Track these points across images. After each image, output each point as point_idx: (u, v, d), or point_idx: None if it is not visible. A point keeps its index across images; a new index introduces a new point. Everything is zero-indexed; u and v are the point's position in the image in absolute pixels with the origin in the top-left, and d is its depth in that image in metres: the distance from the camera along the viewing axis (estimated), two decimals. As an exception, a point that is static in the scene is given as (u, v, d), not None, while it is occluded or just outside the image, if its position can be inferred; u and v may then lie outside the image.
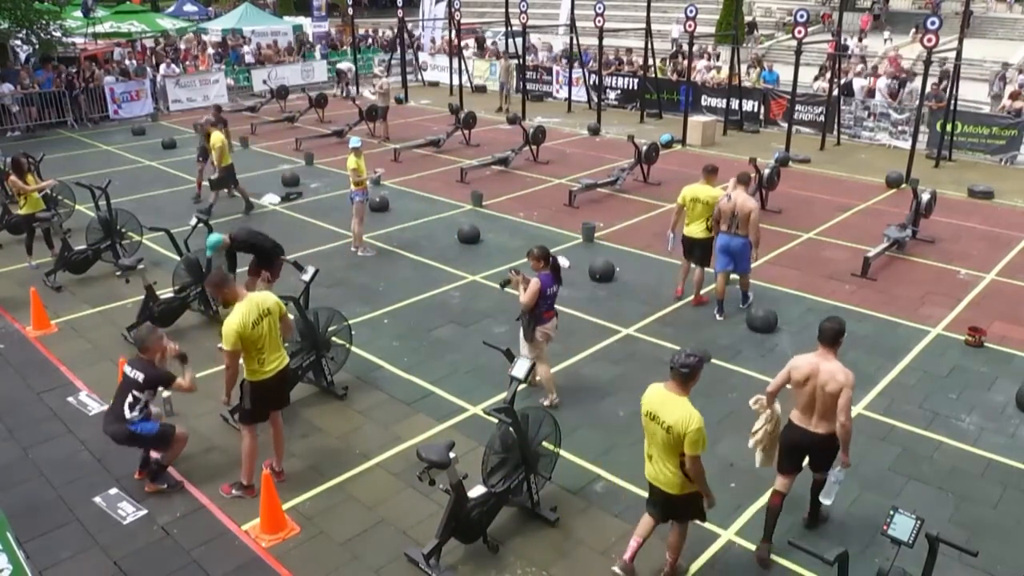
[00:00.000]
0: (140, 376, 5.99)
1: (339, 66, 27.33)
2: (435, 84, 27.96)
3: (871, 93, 18.91)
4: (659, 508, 5.26)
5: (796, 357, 5.68)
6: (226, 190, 13.62)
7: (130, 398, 6.01)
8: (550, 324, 7.31)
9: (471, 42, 29.19)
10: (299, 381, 7.58)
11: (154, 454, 6.34)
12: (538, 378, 7.41)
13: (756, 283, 10.06)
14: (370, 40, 31.70)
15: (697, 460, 4.85)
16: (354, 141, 11.33)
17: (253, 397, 6.06)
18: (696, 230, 9.45)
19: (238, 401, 6.16)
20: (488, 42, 29.55)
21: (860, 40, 30.29)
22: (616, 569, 5.31)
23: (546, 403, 7.45)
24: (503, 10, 23.94)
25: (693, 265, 9.69)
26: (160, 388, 6.24)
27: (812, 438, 5.53)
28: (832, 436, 5.44)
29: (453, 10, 24.36)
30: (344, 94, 24.65)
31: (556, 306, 7.38)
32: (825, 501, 5.66)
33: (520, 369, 5.77)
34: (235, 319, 5.80)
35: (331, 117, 21.15)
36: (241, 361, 6.01)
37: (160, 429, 6.19)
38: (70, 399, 7.69)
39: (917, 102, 16.60)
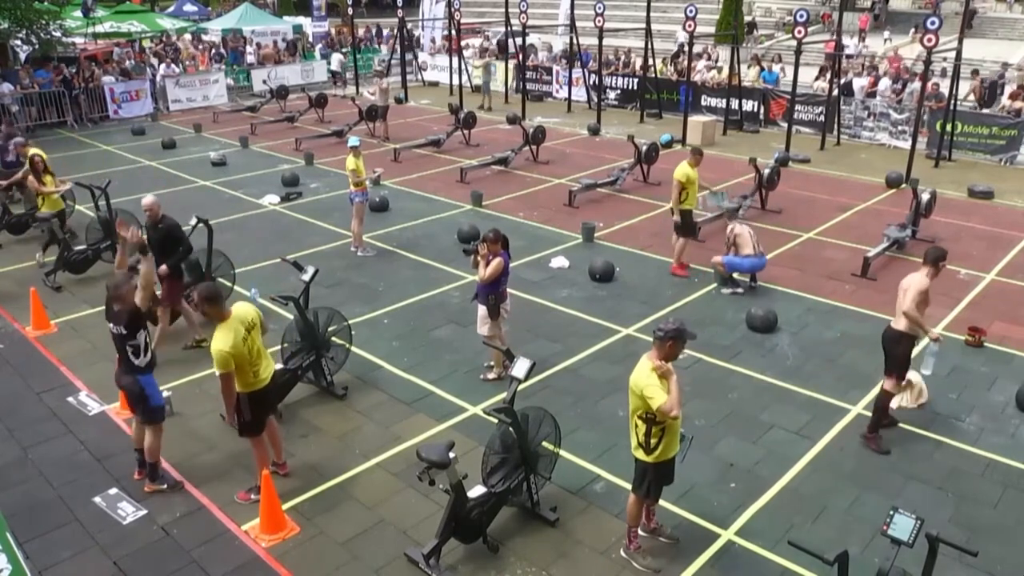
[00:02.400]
0: (123, 329, 5.94)
1: (332, 67, 27.39)
2: (435, 84, 27.97)
3: (871, 93, 18.92)
4: None
5: None
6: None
7: (130, 349, 6.02)
8: (508, 301, 7.89)
9: (492, 45, 28.71)
10: (299, 381, 7.58)
11: (145, 443, 6.30)
12: (493, 373, 8.01)
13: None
14: (374, 40, 31.70)
15: (660, 412, 5.03)
16: (352, 140, 11.32)
17: (253, 408, 6.01)
18: (692, 205, 10.56)
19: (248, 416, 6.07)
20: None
21: (862, 40, 30.34)
22: (642, 531, 5.75)
23: (492, 376, 7.96)
24: (503, 10, 23.94)
25: (679, 238, 10.63)
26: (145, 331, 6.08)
27: (887, 332, 6.87)
28: (900, 334, 6.70)
29: (453, 10, 24.36)
30: (342, 89, 24.84)
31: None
32: (924, 372, 6.82)
33: (520, 369, 5.76)
34: (226, 342, 5.64)
35: (331, 117, 21.16)
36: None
37: (161, 405, 6.24)
38: (70, 399, 7.69)
39: (917, 102, 16.61)
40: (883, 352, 6.92)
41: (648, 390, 5.04)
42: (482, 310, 7.75)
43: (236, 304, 6.07)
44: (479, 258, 7.57)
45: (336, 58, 27.93)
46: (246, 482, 6.34)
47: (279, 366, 7.36)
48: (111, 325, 6.06)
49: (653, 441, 5.22)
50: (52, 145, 17.44)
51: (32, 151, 11.69)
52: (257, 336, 5.97)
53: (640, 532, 5.72)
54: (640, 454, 5.32)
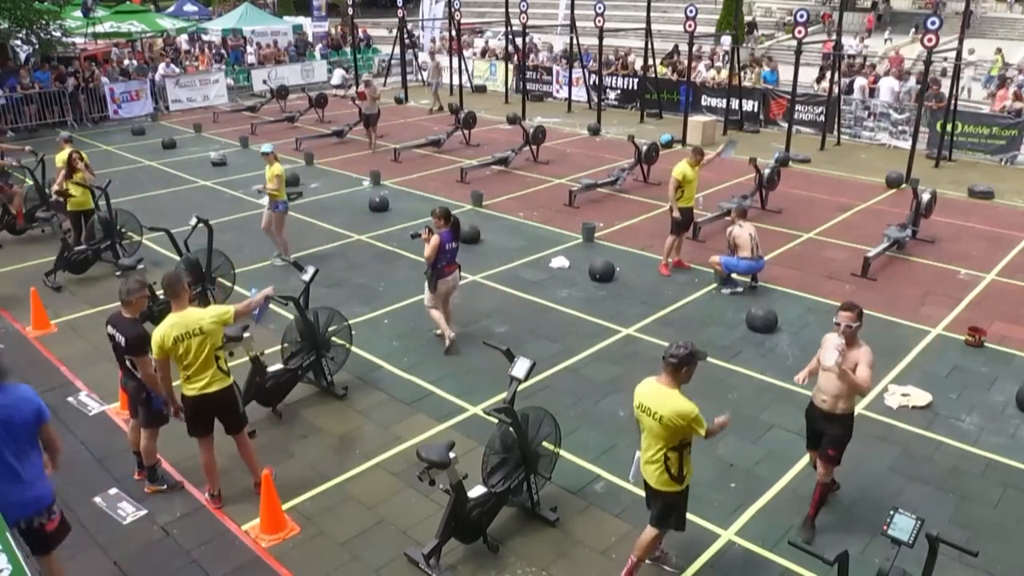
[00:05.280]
0: (123, 340, 5.82)
1: (335, 82, 27.27)
2: (435, 84, 27.91)
3: (872, 93, 18.92)
4: (648, 504, 5.26)
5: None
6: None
7: (128, 362, 5.92)
8: (451, 277, 8.39)
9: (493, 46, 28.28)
10: (299, 381, 7.59)
11: (141, 445, 6.30)
12: (438, 331, 8.72)
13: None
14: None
15: (705, 436, 4.88)
16: (265, 147, 10.89)
17: (185, 411, 5.92)
18: (688, 203, 10.55)
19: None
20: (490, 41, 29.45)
21: (862, 40, 30.34)
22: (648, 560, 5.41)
23: (438, 332, 8.71)
24: (503, 10, 23.94)
25: (674, 236, 10.66)
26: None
27: None
28: None
29: (453, 10, 24.36)
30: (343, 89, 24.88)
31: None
32: (827, 363, 5.55)
33: (520, 369, 5.76)
34: (158, 330, 5.64)
35: (331, 117, 21.16)
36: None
37: (161, 410, 6.14)
38: (70, 399, 7.69)
39: (917, 102, 16.61)
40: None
41: (699, 420, 4.78)
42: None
43: (200, 311, 5.81)
44: (427, 236, 8.19)
45: (339, 73, 27.63)
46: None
47: (278, 366, 7.39)
48: (111, 328, 5.93)
49: (686, 468, 4.97)
50: (52, 145, 17.42)
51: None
52: (201, 345, 5.63)
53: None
54: (671, 487, 4.98)
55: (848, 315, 5.49)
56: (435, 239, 8.09)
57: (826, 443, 5.71)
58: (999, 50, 21.37)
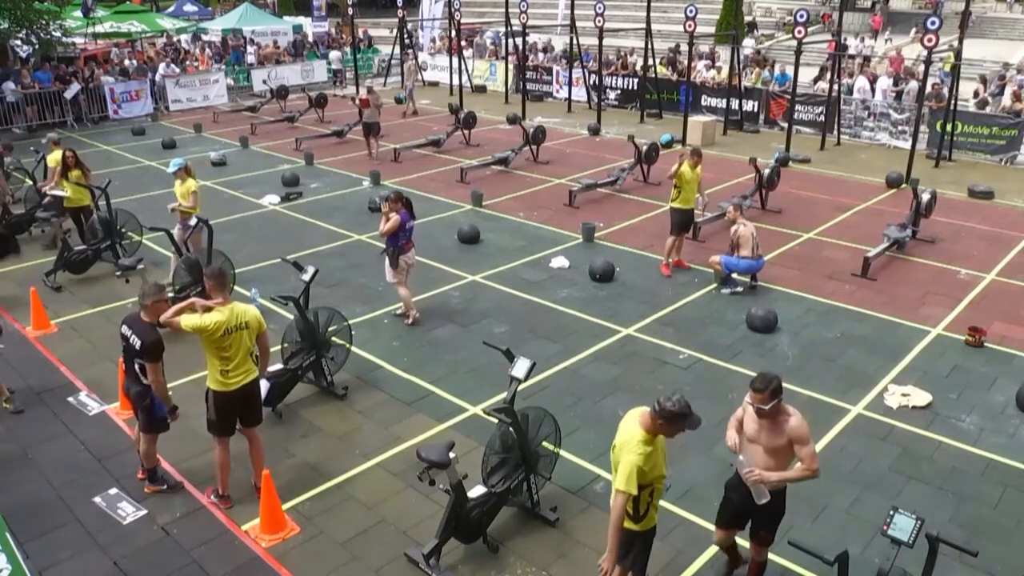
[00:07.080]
0: (138, 343, 5.78)
1: (333, 66, 27.54)
2: (435, 84, 27.95)
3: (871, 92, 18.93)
4: None
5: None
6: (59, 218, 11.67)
7: (137, 366, 5.90)
8: (410, 253, 8.98)
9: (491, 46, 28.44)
10: (299, 381, 7.59)
11: (141, 449, 6.28)
12: (401, 309, 9.34)
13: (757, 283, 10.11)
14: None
15: (618, 497, 4.29)
16: (174, 164, 9.95)
17: (217, 408, 5.93)
18: (686, 204, 10.54)
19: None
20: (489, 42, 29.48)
21: (862, 40, 30.34)
22: None
23: (408, 321, 9.17)
24: (503, 10, 23.95)
25: (674, 236, 10.70)
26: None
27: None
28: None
29: (453, 10, 24.37)
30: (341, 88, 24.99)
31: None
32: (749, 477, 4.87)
33: (520, 369, 5.75)
34: (215, 315, 5.66)
35: (331, 117, 21.16)
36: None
37: (164, 418, 6.13)
38: (70, 399, 7.68)
39: (917, 102, 16.61)
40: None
41: (624, 465, 4.24)
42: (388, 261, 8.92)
43: (243, 304, 5.98)
44: (387, 211, 8.69)
45: (335, 55, 28.07)
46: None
47: (279, 366, 7.39)
48: (126, 329, 5.89)
49: (642, 508, 4.46)
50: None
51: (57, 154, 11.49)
52: (243, 340, 5.78)
53: None
54: (628, 523, 4.47)
55: (758, 396, 4.61)
56: (395, 218, 8.61)
57: (759, 525, 4.98)
58: (951, 47, 21.37)
